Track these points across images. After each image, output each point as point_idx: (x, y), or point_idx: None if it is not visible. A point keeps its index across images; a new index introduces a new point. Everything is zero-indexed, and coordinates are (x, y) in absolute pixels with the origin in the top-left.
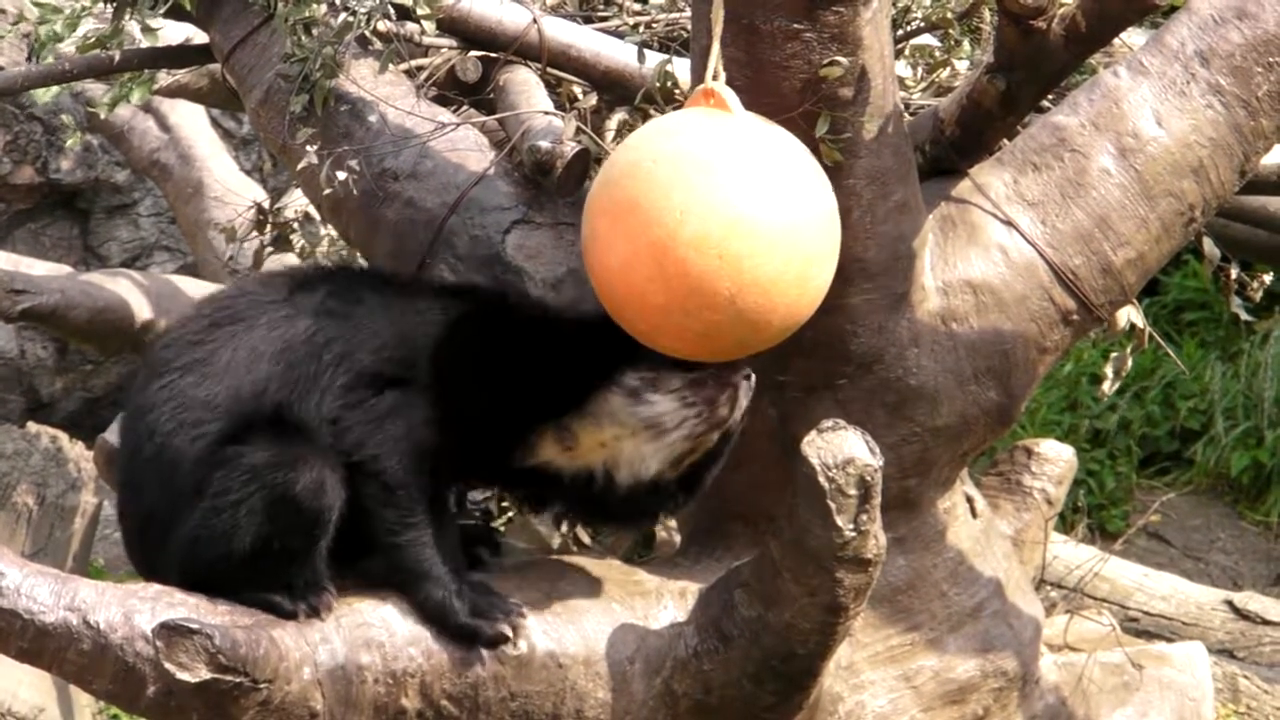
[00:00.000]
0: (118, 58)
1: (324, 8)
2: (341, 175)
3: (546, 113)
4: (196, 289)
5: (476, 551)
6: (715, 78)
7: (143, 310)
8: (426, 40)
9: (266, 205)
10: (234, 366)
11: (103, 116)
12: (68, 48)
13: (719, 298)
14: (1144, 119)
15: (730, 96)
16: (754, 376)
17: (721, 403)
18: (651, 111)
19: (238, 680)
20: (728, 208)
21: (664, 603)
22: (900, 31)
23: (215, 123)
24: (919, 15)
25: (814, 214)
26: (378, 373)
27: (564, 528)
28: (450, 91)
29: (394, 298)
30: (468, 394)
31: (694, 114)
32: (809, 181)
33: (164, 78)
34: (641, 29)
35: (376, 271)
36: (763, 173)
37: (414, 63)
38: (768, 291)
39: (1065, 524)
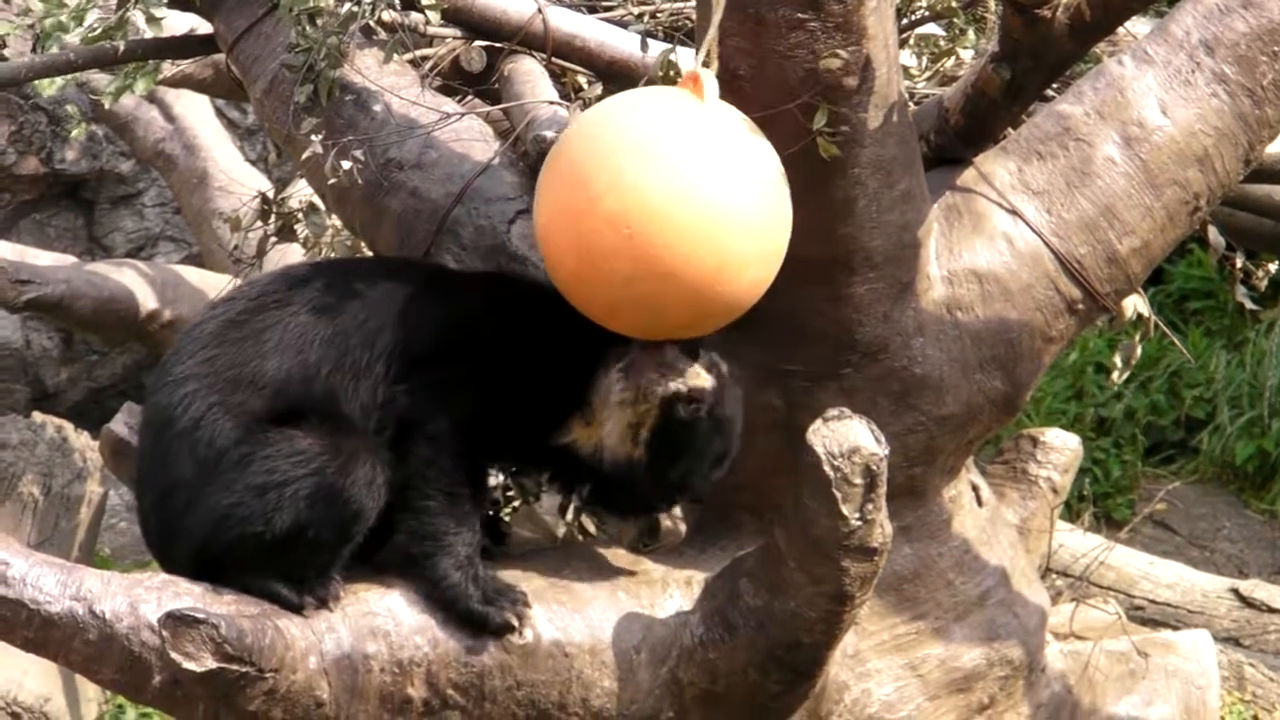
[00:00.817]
0: (122, 48)
1: None
2: (346, 165)
3: (551, 102)
4: (201, 279)
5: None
6: (706, 64)
7: (148, 300)
8: (431, 30)
9: (271, 195)
10: (283, 347)
11: (107, 107)
12: (73, 39)
13: (616, 276)
14: (1149, 108)
15: (710, 84)
16: (705, 356)
17: (650, 374)
18: None
19: (244, 670)
20: (647, 190)
21: (670, 592)
22: (905, 20)
23: (220, 113)
24: (924, 4)
25: (749, 216)
26: (433, 356)
27: (569, 516)
28: (455, 81)
29: (439, 286)
30: (520, 375)
31: (664, 94)
32: (755, 183)
33: (168, 68)
34: (646, 18)
35: (417, 261)
36: (699, 162)
37: (419, 53)
38: (669, 280)
39: (1071, 512)
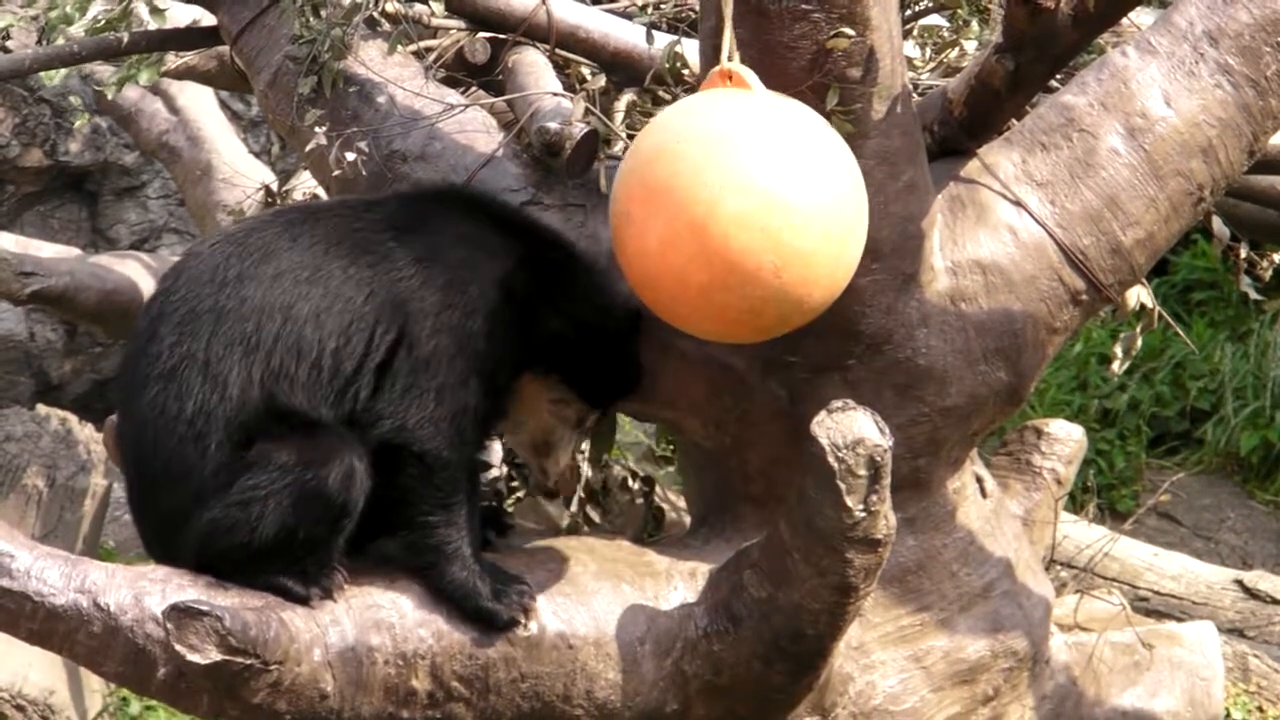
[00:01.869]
0: (126, 40)
1: None
2: (350, 157)
3: (555, 94)
4: None
5: (484, 533)
6: (730, 58)
7: (151, 292)
8: (435, 21)
9: (275, 187)
10: (241, 356)
11: (109, 97)
12: (77, 30)
13: (764, 272)
14: (1153, 99)
15: (750, 75)
16: None
17: None
18: (660, 93)
19: (248, 662)
20: (763, 183)
21: (674, 583)
22: (908, 12)
23: (223, 105)
24: None
25: (844, 187)
26: (398, 361)
27: (573, 507)
28: (459, 73)
29: (365, 267)
30: (491, 353)
31: (715, 94)
32: (836, 155)
33: (172, 60)
34: (650, 10)
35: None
36: (792, 148)
37: (422, 44)
38: (809, 264)
39: (1075, 504)
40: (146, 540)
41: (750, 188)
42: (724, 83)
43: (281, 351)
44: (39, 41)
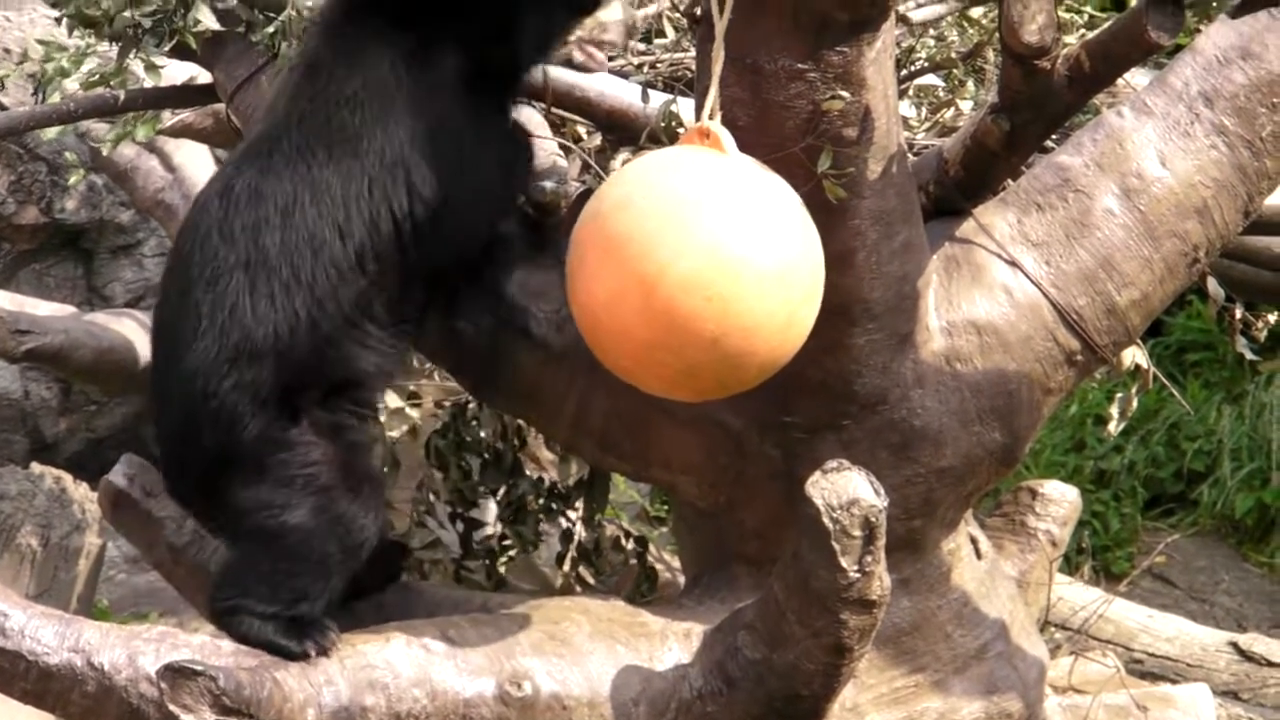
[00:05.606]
0: (123, 98)
1: None
2: None
3: (551, 152)
4: None
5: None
6: (711, 116)
7: (147, 351)
8: None
9: None
10: (271, 302)
11: (105, 154)
12: (72, 84)
13: (703, 338)
14: (1148, 159)
15: (726, 137)
16: None
17: None
18: (649, 147)
19: None
20: (720, 249)
21: (668, 644)
22: (904, 71)
23: (219, 162)
24: (923, 55)
25: (802, 259)
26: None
27: (566, 567)
28: None
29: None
30: None
31: (688, 151)
32: (798, 227)
33: (168, 117)
34: (646, 69)
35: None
36: (755, 216)
37: None
38: (752, 334)
39: (1070, 565)
40: (166, 449)
41: (703, 254)
42: (701, 140)
43: (322, 279)
44: (34, 93)
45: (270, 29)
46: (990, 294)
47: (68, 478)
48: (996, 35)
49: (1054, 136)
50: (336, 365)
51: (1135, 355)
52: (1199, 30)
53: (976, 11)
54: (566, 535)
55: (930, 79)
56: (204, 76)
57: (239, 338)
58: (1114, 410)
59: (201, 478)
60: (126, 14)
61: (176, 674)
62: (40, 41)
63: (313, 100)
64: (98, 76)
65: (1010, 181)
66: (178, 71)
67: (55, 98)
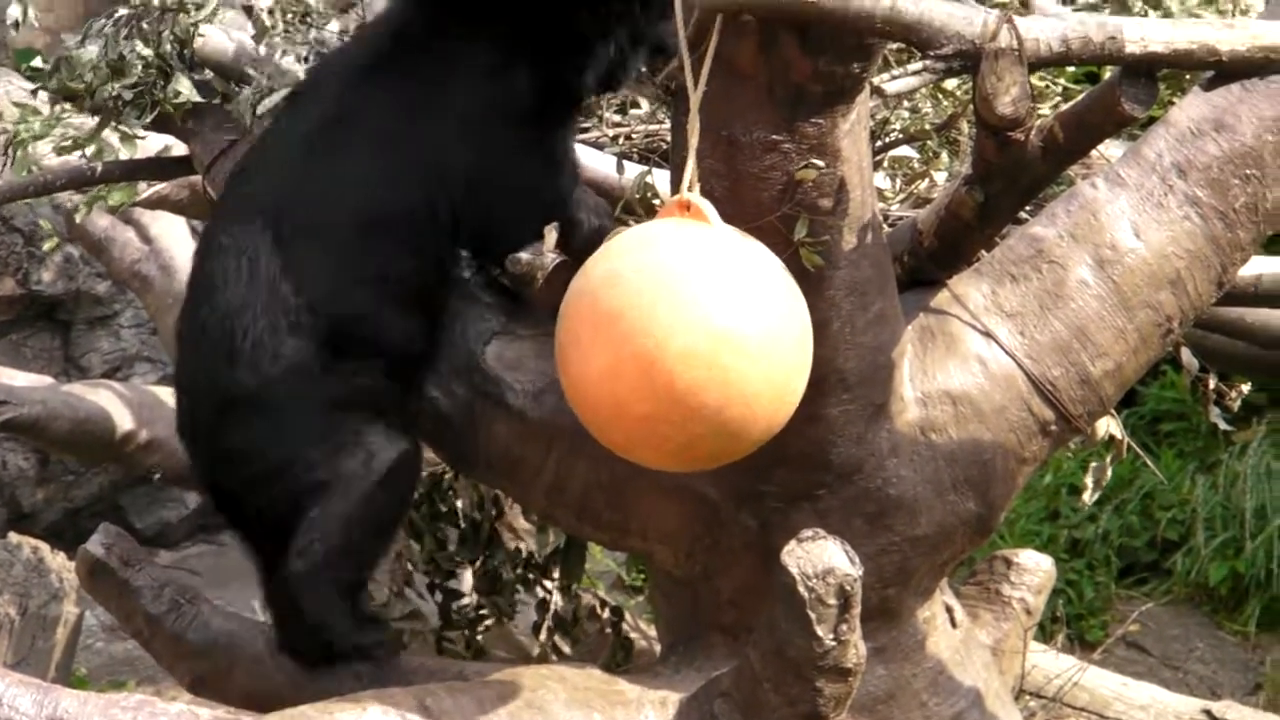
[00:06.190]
0: (100, 169)
1: None
2: None
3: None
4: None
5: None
6: (690, 188)
7: (124, 421)
8: None
9: None
10: (319, 267)
11: (78, 220)
12: (45, 147)
13: (706, 410)
14: (1122, 230)
15: (708, 208)
16: None
17: None
18: (630, 221)
19: None
20: (715, 321)
21: (645, 712)
22: (879, 143)
23: (195, 234)
24: (897, 127)
25: (792, 327)
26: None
27: (543, 636)
28: None
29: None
30: None
31: (671, 224)
32: (786, 295)
33: (144, 188)
34: (621, 140)
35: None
36: (746, 285)
37: None
38: (751, 403)
39: (1044, 633)
40: (190, 407)
41: (701, 326)
42: (681, 212)
43: (393, 256)
44: (3, 153)
45: (248, 97)
46: (965, 364)
47: (45, 547)
48: (970, 107)
49: (1028, 207)
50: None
51: (1109, 425)
52: (1172, 102)
53: (951, 83)
54: (543, 605)
55: (905, 150)
56: (178, 148)
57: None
58: (1088, 480)
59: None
60: (108, 87)
61: None
62: (15, 103)
63: (370, 98)
64: (72, 143)
65: (984, 252)
66: (152, 143)
67: (28, 169)
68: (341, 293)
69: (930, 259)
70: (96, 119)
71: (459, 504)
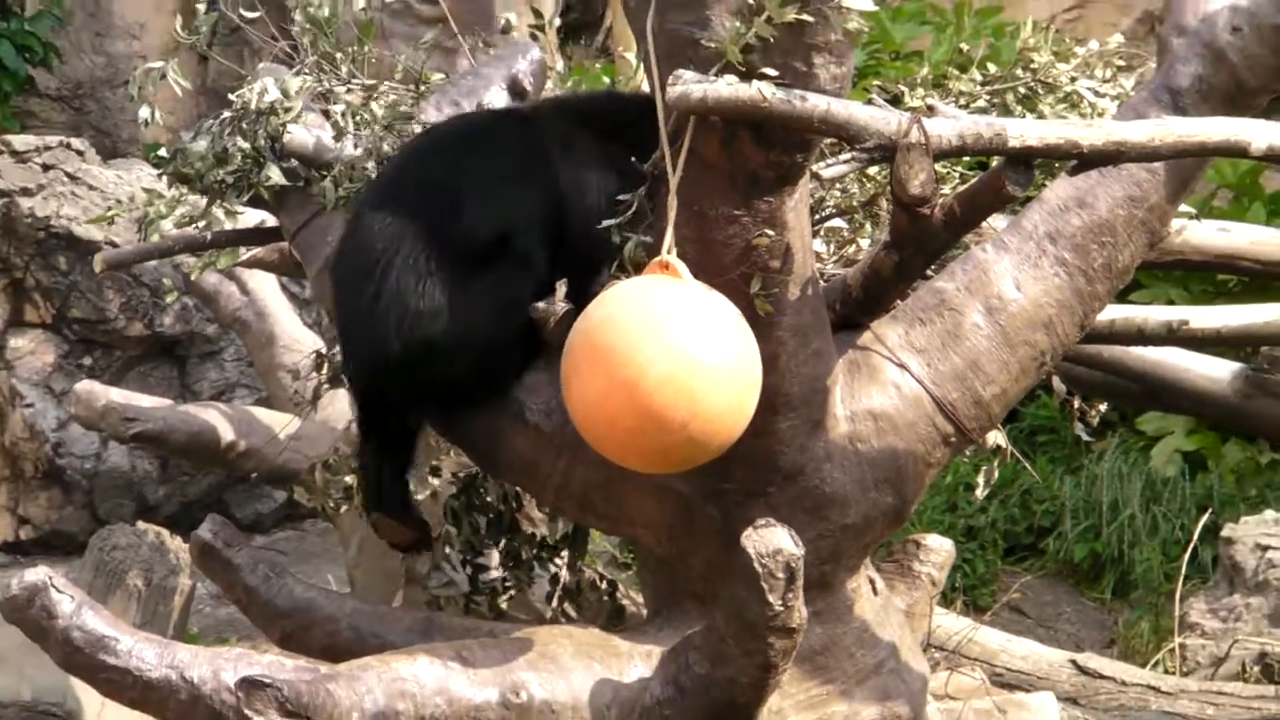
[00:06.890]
0: (210, 237)
1: None
2: None
3: None
4: (269, 418)
5: None
6: (669, 251)
7: (227, 434)
8: None
9: (324, 352)
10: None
11: (193, 277)
12: (168, 225)
13: (675, 423)
14: (1006, 285)
15: (681, 267)
16: None
17: None
18: (621, 276)
19: None
20: (687, 354)
21: (634, 662)
22: (817, 216)
23: (284, 287)
24: (831, 204)
25: (747, 360)
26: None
27: (554, 603)
28: None
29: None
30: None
31: (654, 279)
32: (742, 335)
33: (243, 251)
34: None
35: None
36: (710, 327)
37: None
38: (712, 419)
39: (946, 600)
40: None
41: (675, 357)
42: (662, 270)
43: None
44: (138, 233)
45: (325, 183)
46: (884, 389)
47: (165, 533)
48: (889, 188)
49: (933, 266)
50: None
51: (996, 437)
52: (1045, 185)
53: (873, 170)
54: (554, 578)
55: (837, 222)
56: (271, 220)
57: None
58: (980, 479)
59: None
60: (215, 173)
61: (250, 685)
62: (145, 189)
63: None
64: (188, 219)
65: (899, 301)
66: (252, 216)
67: (155, 237)
68: None
69: (857, 307)
70: (206, 198)
71: (488, 498)
